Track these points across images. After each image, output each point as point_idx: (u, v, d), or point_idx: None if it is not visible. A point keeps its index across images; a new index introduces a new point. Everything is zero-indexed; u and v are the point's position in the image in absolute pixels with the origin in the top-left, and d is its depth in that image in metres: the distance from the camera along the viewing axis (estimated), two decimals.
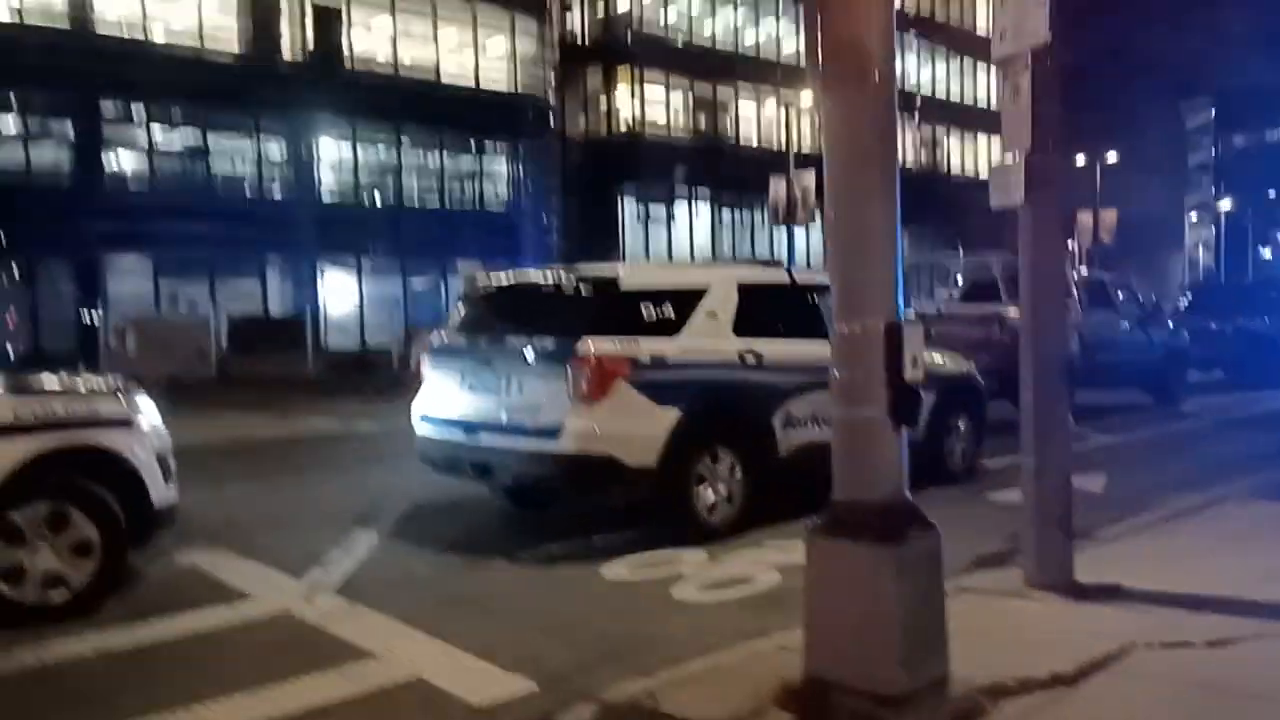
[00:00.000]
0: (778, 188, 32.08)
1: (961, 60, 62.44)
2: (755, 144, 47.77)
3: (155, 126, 30.10)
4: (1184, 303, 19.28)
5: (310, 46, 32.36)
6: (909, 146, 59.51)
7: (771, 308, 7.02)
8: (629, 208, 45.84)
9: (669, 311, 6.40)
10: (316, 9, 32.45)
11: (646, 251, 44.86)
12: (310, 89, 31.13)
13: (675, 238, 47.55)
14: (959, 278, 13.46)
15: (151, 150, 30.07)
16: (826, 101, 3.68)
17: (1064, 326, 5.28)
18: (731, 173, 45.15)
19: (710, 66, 46.24)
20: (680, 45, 45.39)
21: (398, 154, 35.90)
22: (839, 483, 3.72)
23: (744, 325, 6.69)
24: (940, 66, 61.60)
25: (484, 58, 37.97)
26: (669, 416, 6.16)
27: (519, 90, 39.18)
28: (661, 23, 45.73)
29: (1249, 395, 15.59)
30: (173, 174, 30.26)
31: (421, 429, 6.95)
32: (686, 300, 6.49)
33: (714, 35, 48.99)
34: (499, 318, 6.67)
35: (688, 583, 5.57)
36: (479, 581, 5.74)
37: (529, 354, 6.17)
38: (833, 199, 3.70)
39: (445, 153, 37.52)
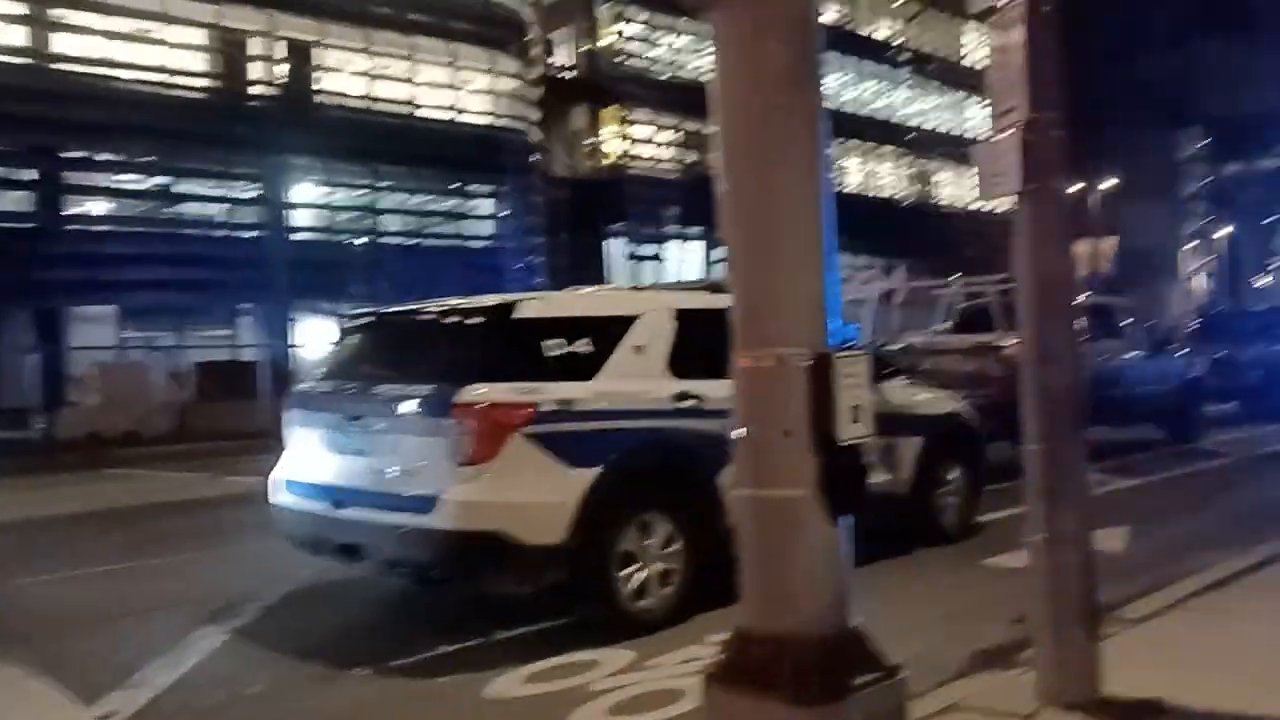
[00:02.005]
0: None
1: (952, 93, 61.85)
2: None
3: (119, 168, 29.06)
4: (1192, 330, 18.04)
5: (281, 84, 31.45)
6: (899, 179, 58.81)
7: (720, 339, 5.77)
8: (617, 247, 44.84)
9: (585, 347, 5.14)
10: (288, 46, 31.58)
11: None
12: (281, 128, 30.16)
13: (667, 278, 46.53)
14: (949, 306, 12.19)
15: (115, 193, 29.05)
16: (716, 23, 2.44)
17: (1076, 350, 4.00)
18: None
19: (699, 102, 45.08)
20: (667, 81, 44.59)
21: (374, 193, 34.88)
22: (746, 602, 2.44)
23: (683, 362, 5.42)
24: (931, 99, 61.00)
25: (463, 94, 37.11)
26: (583, 479, 4.88)
27: (500, 127, 38.29)
28: (647, 58, 45.00)
29: (1272, 429, 14.30)
30: (138, 217, 29.19)
31: (279, 497, 5.62)
32: (607, 332, 5.22)
33: (702, 70, 48.19)
34: (372, 360, 5.41)
35: (595, 703, 4.25)
36: (323, 702, 4.43)
37: (401, 405, 4.90)
38: (728, 168, 2.45)
39: (423, 191, 36.53)
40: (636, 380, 5.16)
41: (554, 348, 5.03)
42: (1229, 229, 75.86)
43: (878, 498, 6.21)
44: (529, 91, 39.51)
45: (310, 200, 33.04)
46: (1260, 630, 4.76)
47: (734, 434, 2.50)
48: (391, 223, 35.40)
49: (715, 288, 5.88)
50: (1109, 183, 52.75)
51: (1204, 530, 7.46)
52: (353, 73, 33.26)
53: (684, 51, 45.27)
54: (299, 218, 32.46)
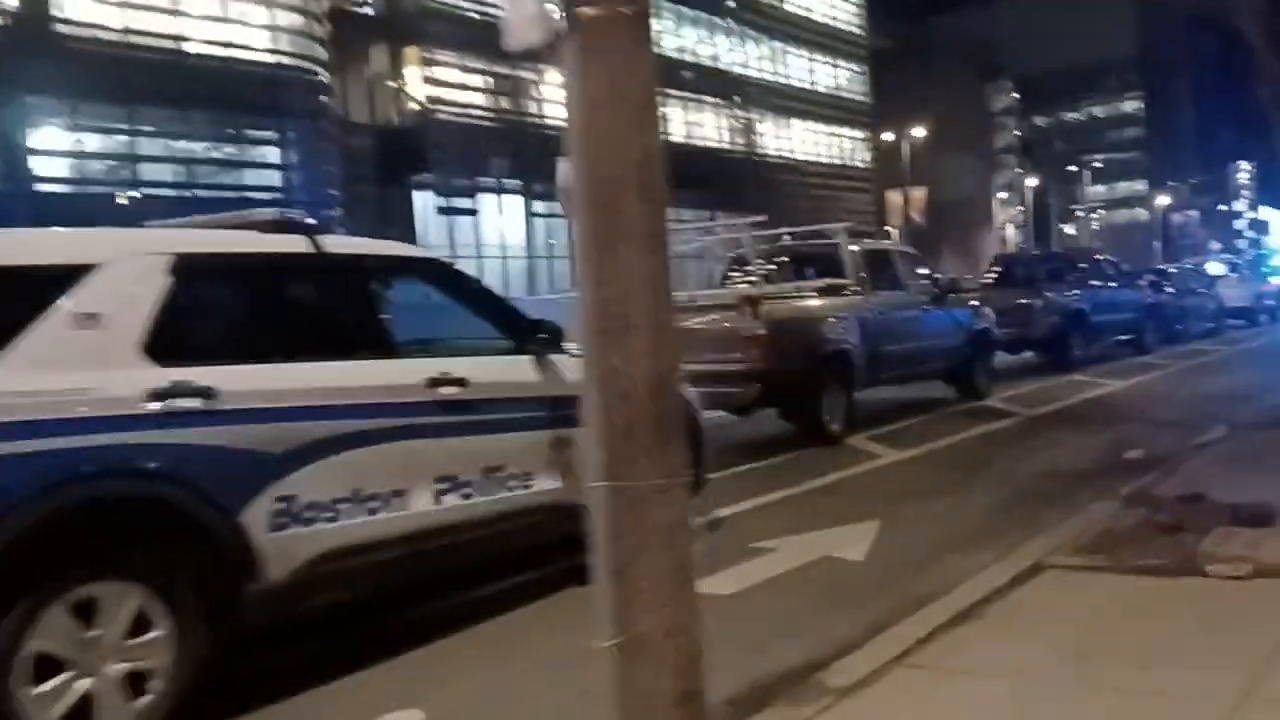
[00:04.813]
0: (565, 171, 29.22)
1: (771, 43, 61.37)
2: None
3: None
4: (990, 277, 17.34)
5: (12, 11, 27.38)
6: (722, 129, 58.05)
7: (259, 302, 3.95)
8: (426, 200, 42.16)
9: None
10: None
11: (451, 250, 41.27)
12: (16, 61, 26.24)
13: (484, 235, 44.21)
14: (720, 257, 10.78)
15: None
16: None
17: (669, 316, 2.40)
18: (545, 163, 41.98)
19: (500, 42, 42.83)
20: (477, 20, 41.83)
21: (134, 138, 31.15)
22: None
23: (181, 337, 3.54)
24: (752, 49, 60.32)
25: (239, 28, 33.55)
26: None
27: (284, 65, 34.91)
28: None
29: (1065, 381, 13.64)
30: None
31: None
32: (31, 291, 3.29)
33: None
34: None
35: None
36: None
37: None
38: None
39: (194, 137, 32.93)
40: (76, 369, 3.23)
41: None
42: (1036, 180, 78.98)
43: (539, 510, 4.57)
44: (316, 27, 36.24)
45: (56, 147, 29.13)
46: (1001, 694, 3.36)
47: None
48: (157, 172, 31.81)
49: (273, 224, 4.04)
50: (918, 133, 53.39)
51: (971, 517, 6.22)
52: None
53: None
54: (42, 166, 28.58)
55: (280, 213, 4.19)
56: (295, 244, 4.02)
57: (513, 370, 4.64)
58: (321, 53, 36.81)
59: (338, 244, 4.27)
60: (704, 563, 5.08)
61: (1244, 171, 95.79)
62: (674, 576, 2.37)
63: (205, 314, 3.75)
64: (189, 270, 3.58)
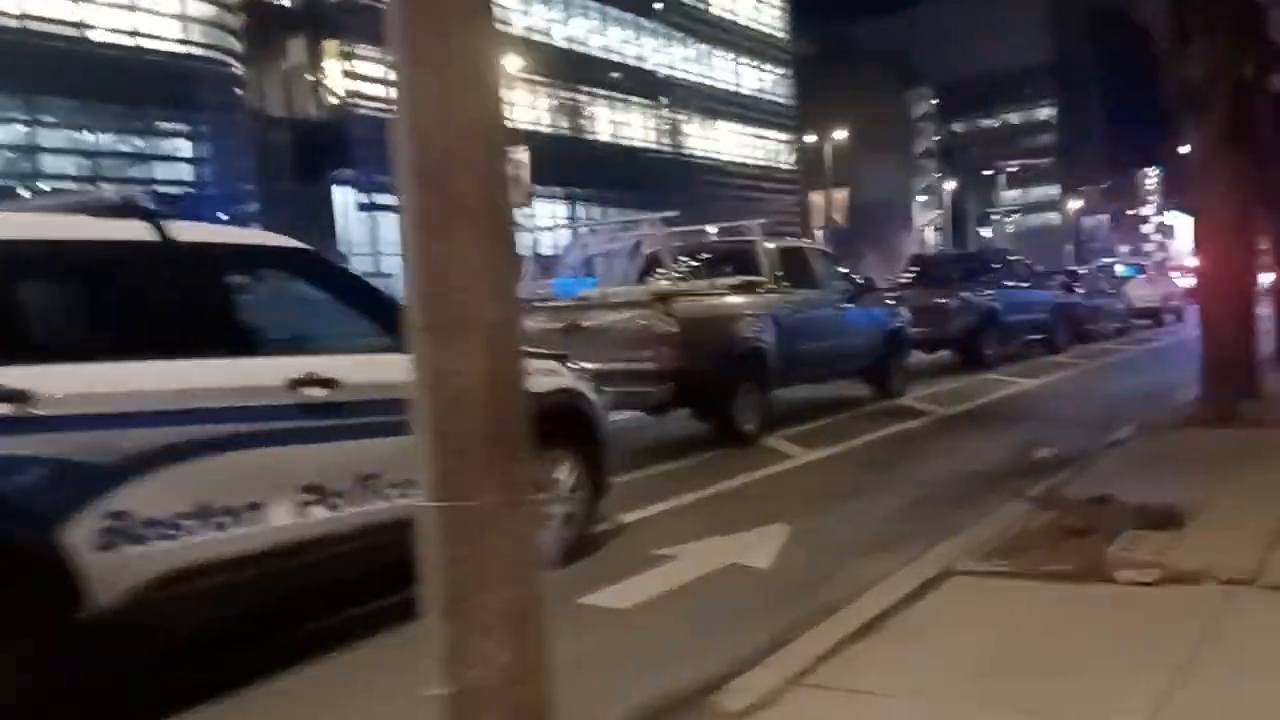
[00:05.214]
0: None
1: (698, 45, 61.52)
2: None
3: None
4: (907, 278, 17.40)
5: None
6: (649, 129, 57.93)
7: (89, 295, 3.57)
8: (347, 196, 41.20)
9: None
10: None
11: (374, 248, 40.36)
12: None
13: None
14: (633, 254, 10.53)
15: None
16: None
17: (518, 313, 2.11)
18: None
19: None
20: None
21: (33, 129, 29.84)
22: None
23: None
24: (678, 50, 60.35)
25: (146, 16, 32.36)
26: None
27: (196, 56, 33.81)
28: None
29: (979, 379, 13.69)
30: None
31: None
32: None
33: None
34: None
35: None
36: None
37: None
38: None
39: (99, 129, 31.69)
40: None
41: None
42: (954, 183, 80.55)
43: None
44: (229, 17, 35.16)
45: None
46: (903, 716, 3.15)
47: None
48: (60, 165, 30.53)
49: (112, 209, 3.64)
50: (840, 136, 53.93)
51: (881, 520, 6.05)
52: None
53: None
54: None
55: (122, 196, 3.77)
56: (136, 230, 3.62)
57: (391, 369, 4.28)
58: (235, 44, 35.78)
59: (187, 231, 3.86)
60: (600, 575, 4.85)
61: (1150, 176, 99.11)
62: (519, 613, 2.06)
63: (19, 308, 3.34)
64: (1, 259, 3.17)
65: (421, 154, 2.02)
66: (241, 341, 3.82)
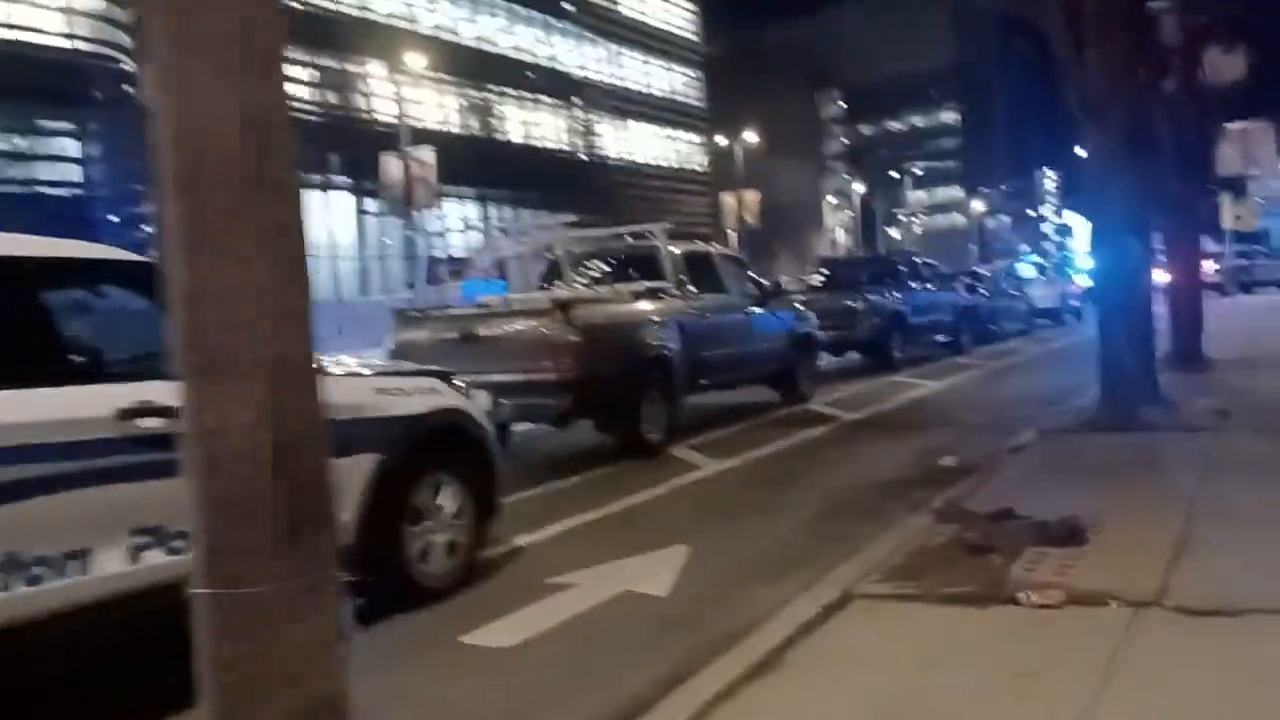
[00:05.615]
0: (389, 167, 28.11)
1: (612, 44, 61.39)
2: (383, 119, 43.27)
3: None
4: (816, 280, 17.42)
5: None
6: (560, 130, 57.54)
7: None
8: None
9: None
10: None
11: None
12: None
13: (313, 235, 41.99)
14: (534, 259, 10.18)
15: None
16: None
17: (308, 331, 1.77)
18: (375, 159, 40.31)
19: (326, 34, 41.19)
20: (300, 11, 39.86)
21: None
22: None
23: None
24: (589, 50, 60.10)
25: (26, 9, 30.82)
26: None
27: (83, 52, 32.31)
28: None
29: (885, 381, 13.70)
30: None
31: None
32: None
33: (342, 1, 44.07)
34: None
35: None
36: None
37: None
38: None
39: None
40: None
41: None
42: (863, 185, 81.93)
43: None
44: (118, 12, 33.70)
45: None
46: None
47: None
48: None
49: None
50: (751, 138, 54.31)
51: (784, 537, 5.85)
52: None
53: None
54: None
55: None
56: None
57: None
58: (125, 39, 34.29)
59: (20, 245, 3.41)
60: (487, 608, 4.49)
61: (1050, 179, 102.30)
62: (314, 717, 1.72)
63: None
64: None
65: (182, 156, 1.69)
66: (58, 367, 3.38)
